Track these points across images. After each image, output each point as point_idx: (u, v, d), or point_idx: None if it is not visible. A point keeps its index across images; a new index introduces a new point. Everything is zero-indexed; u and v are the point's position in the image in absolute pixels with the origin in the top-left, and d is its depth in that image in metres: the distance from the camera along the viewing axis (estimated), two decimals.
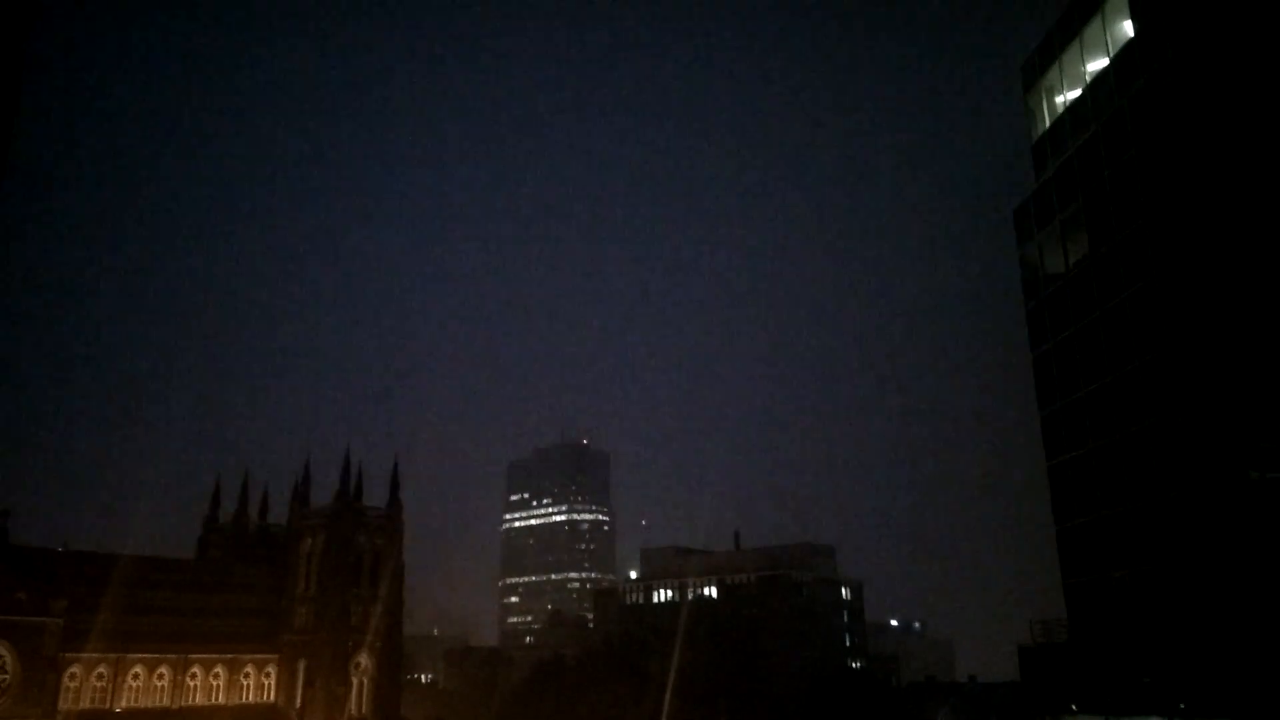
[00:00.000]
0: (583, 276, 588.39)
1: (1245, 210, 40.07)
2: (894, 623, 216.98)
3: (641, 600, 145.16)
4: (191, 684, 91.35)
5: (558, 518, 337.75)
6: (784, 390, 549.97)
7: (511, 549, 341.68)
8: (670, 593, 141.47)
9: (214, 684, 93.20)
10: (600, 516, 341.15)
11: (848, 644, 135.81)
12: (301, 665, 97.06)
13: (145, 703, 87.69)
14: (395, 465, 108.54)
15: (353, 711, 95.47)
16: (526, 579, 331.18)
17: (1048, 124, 52.69)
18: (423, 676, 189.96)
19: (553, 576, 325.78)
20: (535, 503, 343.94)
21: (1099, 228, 46.88)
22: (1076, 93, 49.93)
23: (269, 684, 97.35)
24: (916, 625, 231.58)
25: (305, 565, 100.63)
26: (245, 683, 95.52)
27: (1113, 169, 45.68)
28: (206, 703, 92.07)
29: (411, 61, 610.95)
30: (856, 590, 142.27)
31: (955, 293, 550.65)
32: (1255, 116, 40.62)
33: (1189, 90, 41.69)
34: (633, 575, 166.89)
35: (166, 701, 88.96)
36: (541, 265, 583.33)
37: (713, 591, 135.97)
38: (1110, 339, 44.98)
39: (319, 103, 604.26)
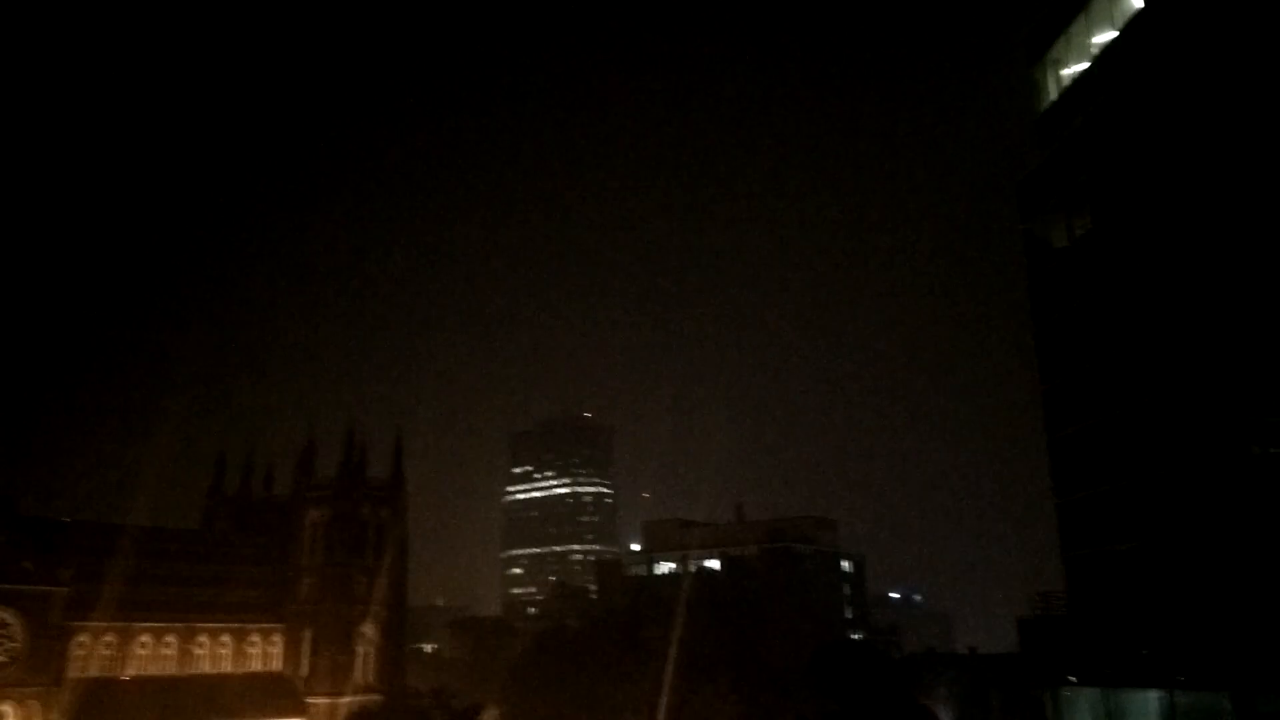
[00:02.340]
0: (585, 249, 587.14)
1: (1252, 186, 39.88)
2: (895, 595, 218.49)
3: (644, 572, 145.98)
4: (198, 652, 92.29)
5: (560, 490, 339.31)
6: (786, 364, 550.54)
7: (514, 521, 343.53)
8: (672, 565, 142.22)
9: (221, 652, 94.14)
10: (603, 489, 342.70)
11: (849, 616, 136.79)
12: (307, 635, 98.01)
13: (153, 670, 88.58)
14: (399, 438, 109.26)
15: (358, 680, 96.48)
16: (529, 551, 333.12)
17: (1053, 97, 52.29)
18: (427, 646, 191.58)
19: (555, 548, 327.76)
20: (538, 475, 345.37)
21: (1104, 202, 46.68)
22: (1084, 65, 49.51)
23: (275, 653, 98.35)
24: (917, 598, 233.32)
25: (310, 537, 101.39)
26: (251, 651, 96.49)
27: (1119, 143, 45.42)
28: (213, 671, 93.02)
29: (419, 43, 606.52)
30: (858, 563, 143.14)
31: (957, 267, 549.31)
32: (1264, 92, 40.31)
33: (1197, 63, 41.37)
34: (635, 547, 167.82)
35: (174, 670, 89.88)
36: (544, 237, 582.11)
37: (715, 564, 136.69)
38: (1114, 314, 44.92)
39: (318, 80, 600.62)
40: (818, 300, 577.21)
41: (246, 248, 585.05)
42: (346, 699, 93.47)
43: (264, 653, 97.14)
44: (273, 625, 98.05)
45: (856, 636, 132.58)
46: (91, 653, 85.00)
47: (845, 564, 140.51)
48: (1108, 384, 44.99)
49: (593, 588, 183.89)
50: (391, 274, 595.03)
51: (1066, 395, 48.42)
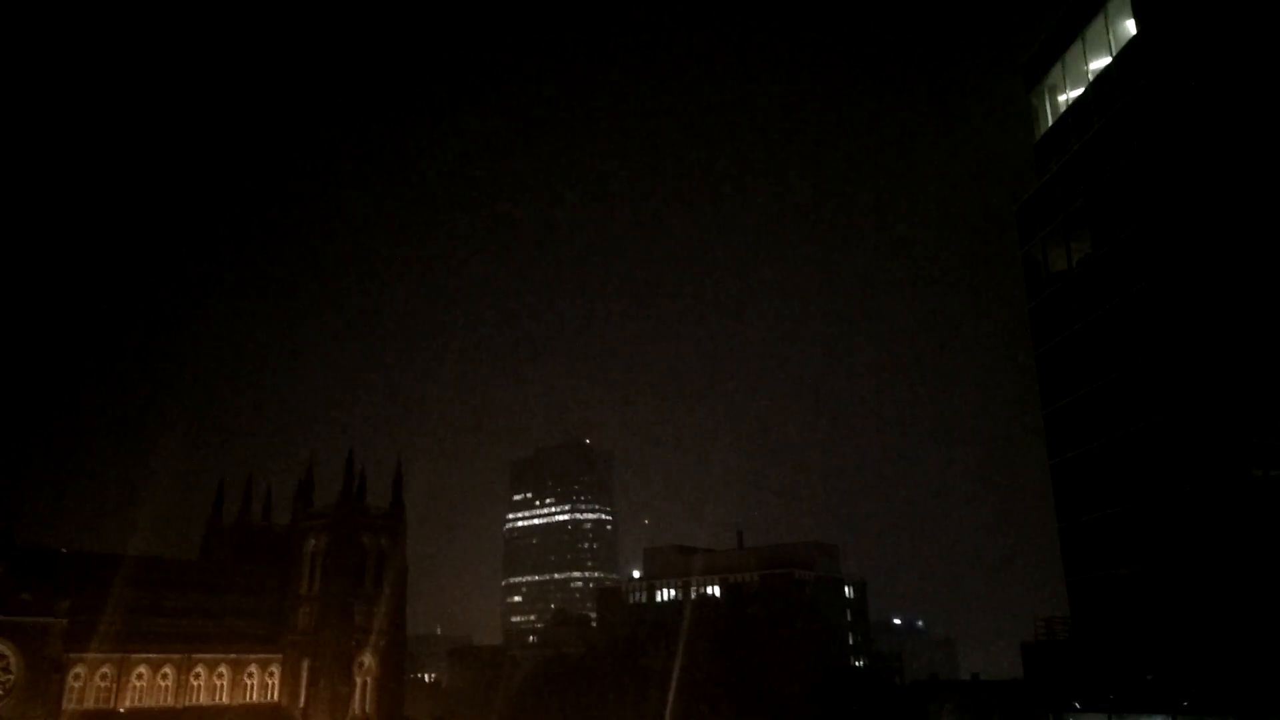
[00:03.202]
0: (586, 275, 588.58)
1: (1247, 209, 40.06)
2: (897, 621, 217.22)
3: (645, 599, 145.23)
4: (195, 684, 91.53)
5: (561, 517, 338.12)
6: (787, 389, 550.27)
7: (515, 548, 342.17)
8: (673, 592, 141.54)
9: (218, 684, 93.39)
10: (603, 516, 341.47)
11: (851, 642, 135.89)
12: (305, 665, 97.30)
13: (149, 702, 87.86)
14: (398, 465, 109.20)
15: (356, 710, 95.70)
16: (530, 578, 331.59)
17: (1050, 123, 52.67)
18: (426, 675, 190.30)
19: (556, 576, 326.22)
20: (538, 502, 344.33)
21: (1102, 226, 46.87)
22: (1079, 91, 49.90)
23: (273, 683, 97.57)
24: (920, 624, 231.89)
25: (309, 565, 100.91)
26: (249, 682, 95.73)
27: (1115, 167, 45.66)
28: (211, 702, 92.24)
29: (416, 63, 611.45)
30: (860, 589, 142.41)
31: (958, 291, 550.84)
32: (1257, 116, 40.59)
33: (1190, 89, 41.69)
34: (636, 574, 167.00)
35: (171, 701, 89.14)
36: (544, 263, 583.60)
37: (716, 590, 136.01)
38: (1113, 337, 44.97)
39: (319, 100, 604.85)
40: (818, 325, 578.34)
41: (246, 276, 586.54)
42: None
43: (262, 683, 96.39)
44: (271, 655, 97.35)
45: (859, 663, 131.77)
46: (88, 684, 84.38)
47: (847, 590, 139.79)
48: (1109, 407, 44.98)
49: (593, 615, 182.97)
50: (391, 302, 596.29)
51: (1068, 419, 48.40)
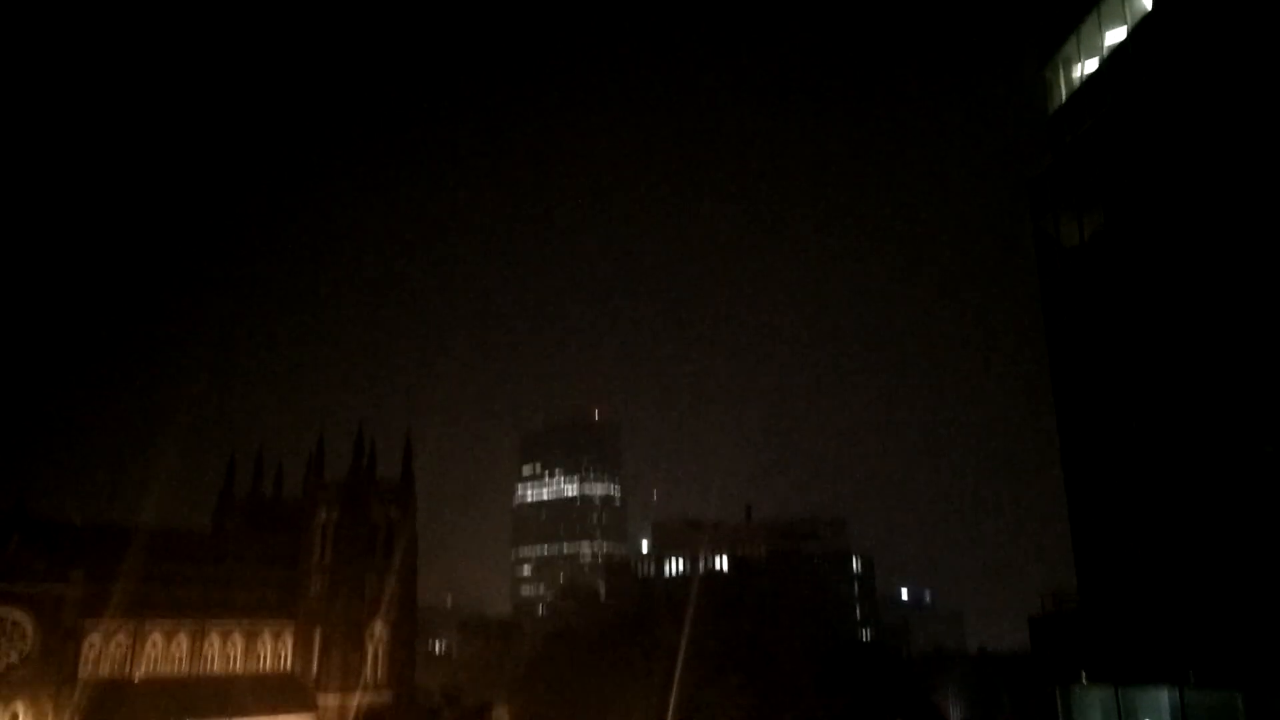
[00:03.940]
0: (593, 247, 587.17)
1: (1262, 182, 39.76)
2: (904, 594, 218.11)
3: (653, 572, 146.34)
4: (209, 652, 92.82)
5: (569, 490, 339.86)
6: (795, 363, 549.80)
7: (523, 521, 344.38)
8: (681, 565, 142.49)
9: (231, 652, 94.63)
10: (612, 489, 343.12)
11: (858, 615, 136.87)
12: (317, 634, 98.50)
13: (164, 670, 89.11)
14: (408, 438, 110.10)
15: (368, 679, 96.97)
16: (538, 551, 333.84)
17: (1064, 97, 52.19)
18: (437, 645, 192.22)
19: (565, 548, 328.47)
20: (547, 475, 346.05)
21: (1115, 201, 46.60)
22: (1094, 64, 49.41)
23: (285, 652, 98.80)
24: (927, 597, 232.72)
25: (320, 537, 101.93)
26: (262, 651, 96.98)
27: (1131, 141, 45.33)
28: (224, 670, 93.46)
29: (427, 39, 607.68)
30: (867, 562, 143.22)
31: (968, 265, 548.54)
32: (1271, 92, 40.20)
33: (1209, 60, 41.28)
34: (644, 547, 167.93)
35: (185, 669, 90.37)
36: (552, 234, 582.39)
37: (724, 564, 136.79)
38: (1126, 311, 44.83)
39: (331, 78, 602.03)
40: (827, 299, 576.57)
41: (255, 248, 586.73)
42: (357, 697, 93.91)
43: (275, 652, 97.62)
44: (283, 625, 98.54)
45: (866, 636, 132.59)
46: (103, 653, 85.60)
47: (855, 563, 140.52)
48: (1120, 383, 44.93)
49: (602, 588, 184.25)
50: (400, 274, 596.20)
51: (1079, 394, 48.35)
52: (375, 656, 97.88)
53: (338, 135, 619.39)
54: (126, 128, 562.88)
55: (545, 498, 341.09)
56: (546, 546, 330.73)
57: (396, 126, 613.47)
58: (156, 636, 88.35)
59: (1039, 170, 54.29)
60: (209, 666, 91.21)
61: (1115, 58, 47.16)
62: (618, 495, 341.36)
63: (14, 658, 77.09)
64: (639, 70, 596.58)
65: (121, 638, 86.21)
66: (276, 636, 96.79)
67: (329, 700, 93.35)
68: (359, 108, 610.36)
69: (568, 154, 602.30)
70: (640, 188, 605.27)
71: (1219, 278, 39.81)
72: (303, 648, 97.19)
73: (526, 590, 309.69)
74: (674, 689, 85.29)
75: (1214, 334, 39.42)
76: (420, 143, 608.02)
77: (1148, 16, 44.59)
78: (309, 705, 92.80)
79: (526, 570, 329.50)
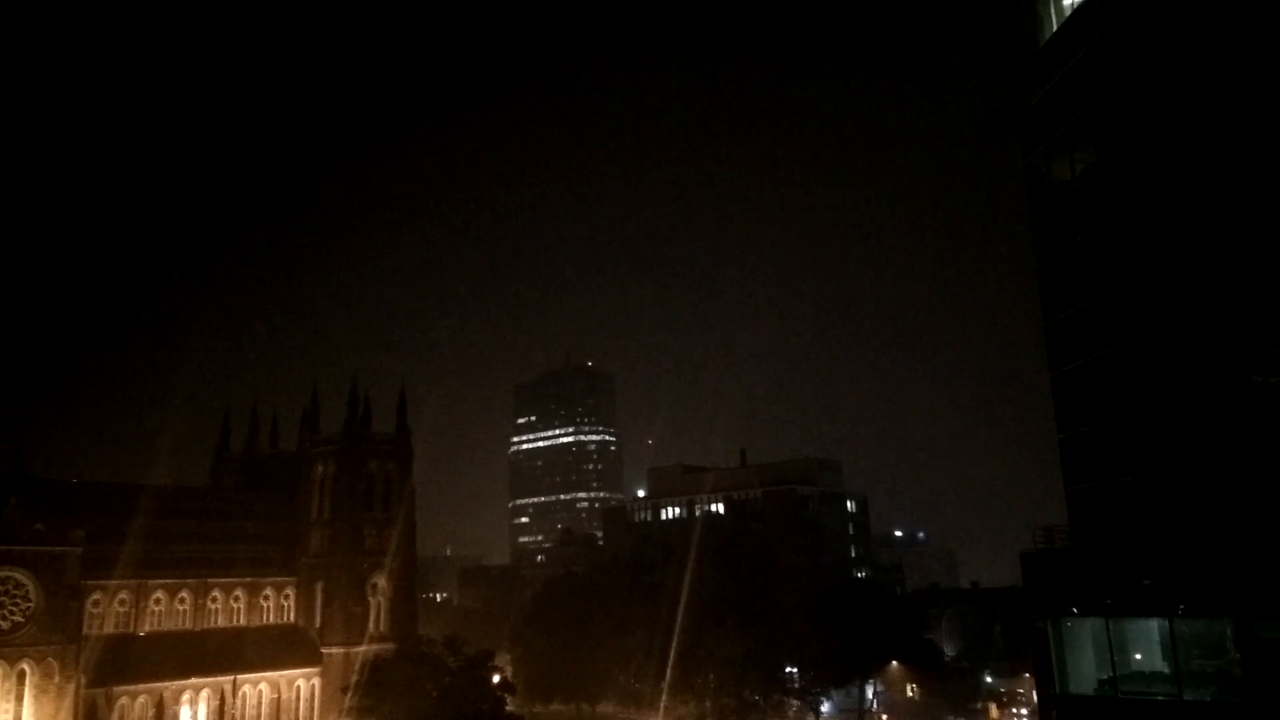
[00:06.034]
0: (586, 198, 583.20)
1: (1248, 115, 39.45)
2: (899, 534, 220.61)
3: (650, 518, 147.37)
4: (213, 607, 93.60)
5: (565, 439, 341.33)
6: (787, 307, 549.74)
7: (520, 470, 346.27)
8: (678, 510, 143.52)
9: (235, 607, 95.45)
10: (607, 437, 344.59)
11: (853, 555, 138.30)
12: (319, 587, 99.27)
13: (168, 626, 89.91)
14: (402, 391, 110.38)
15: (371, 630, 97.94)
16: (536, 499, 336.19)
17: (1054, 28, 51.46)
18: (438, 595, 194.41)
19: (562, 497, 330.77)
20: (543, 425, 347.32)
21: (1105, 135, 46.15)
22: None
23: (288, 606, 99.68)
24: (920, 536, 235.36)
25: (318, 491, 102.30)
26: (265, 605, 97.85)
27: (1121, 74, 44.77)
28: (229, 624, 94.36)
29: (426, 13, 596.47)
30: (861, 503, 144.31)
31: (958, 203, 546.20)
32: (1261, 25, 39.68)
33: None
34: (640, 494, 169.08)
35: (189, 624, 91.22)
36: (545, 187, 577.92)
37: (720, 508, 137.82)
38: (1115, 247, 44.67)
39: (331, 44, 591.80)
40: (817, 240, 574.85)
41: (251, 204, 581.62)
42: (361, 648, 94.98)
43: (278, 606, 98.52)
44: (285, 579, 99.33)
45: (861, 575, 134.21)
46: (107, 610, 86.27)
47: (849, 504, 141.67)
48: (1110, 317, 44.91)
49: (600, 534, 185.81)
50: (393, 227, 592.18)
51: (1069, 329, 48.34)
52: (377, 608, 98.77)
53: (334, 94, 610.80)
54: (119, 92, 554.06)
55: (541, 447, 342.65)
56: (544, 495, 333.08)
57: (393, 88, 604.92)
58: (160, 593, 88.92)
59: (1029, 105, 53.71)
60: (214, 621, 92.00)
61: None
62: (613, 443, 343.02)
63: (18, 617, 77.68)
64: (641, 23, 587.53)
65: (125, 595, 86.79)
66: (279, 591, 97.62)
67: (333, 652, 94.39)
68: (360, 66, 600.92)
69: (562, 113, 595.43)
70: (634, 141, 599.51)
71: (1210, 209, 39.63)
72: (305, 601, 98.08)
73: (525, 539, 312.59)
74: (674, 631, 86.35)
75: (1204, 266, 39.34)
76: (414, 104, 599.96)
77: None
78: (314, 658, 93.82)
79: (524, 519, 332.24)
